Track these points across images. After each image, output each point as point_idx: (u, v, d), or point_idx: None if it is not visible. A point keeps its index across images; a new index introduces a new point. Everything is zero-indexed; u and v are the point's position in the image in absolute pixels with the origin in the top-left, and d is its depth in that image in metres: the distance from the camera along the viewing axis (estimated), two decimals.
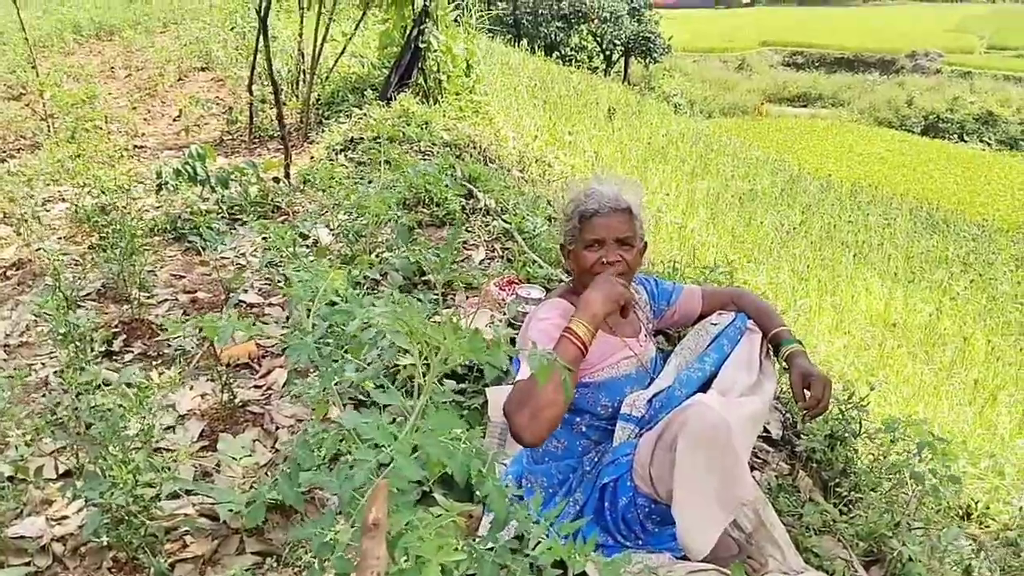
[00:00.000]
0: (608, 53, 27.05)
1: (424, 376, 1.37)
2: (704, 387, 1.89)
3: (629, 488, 1.80)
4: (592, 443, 1.95)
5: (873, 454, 2.76)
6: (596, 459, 1.92)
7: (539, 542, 1.26)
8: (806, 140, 23.71)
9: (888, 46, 35.80)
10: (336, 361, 1.46)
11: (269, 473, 2.44)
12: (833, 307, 7.48)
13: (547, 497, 1.93)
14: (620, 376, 1.93)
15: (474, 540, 1.79)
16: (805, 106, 31.10)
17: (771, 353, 2.05)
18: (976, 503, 3.10)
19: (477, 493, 1.94)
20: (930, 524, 2.52)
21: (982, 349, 7.47)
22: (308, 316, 1.57)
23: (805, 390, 1.90)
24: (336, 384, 1.57)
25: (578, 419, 1.94)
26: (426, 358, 1.32)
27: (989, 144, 25.91)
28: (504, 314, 2.80)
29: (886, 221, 13.29)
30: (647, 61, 27.66)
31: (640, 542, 1.86)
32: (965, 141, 26.16)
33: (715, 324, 2.07)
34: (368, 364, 1.68)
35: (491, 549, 1.30)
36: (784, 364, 2.00)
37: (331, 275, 1.75)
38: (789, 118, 28.29)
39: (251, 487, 2.40)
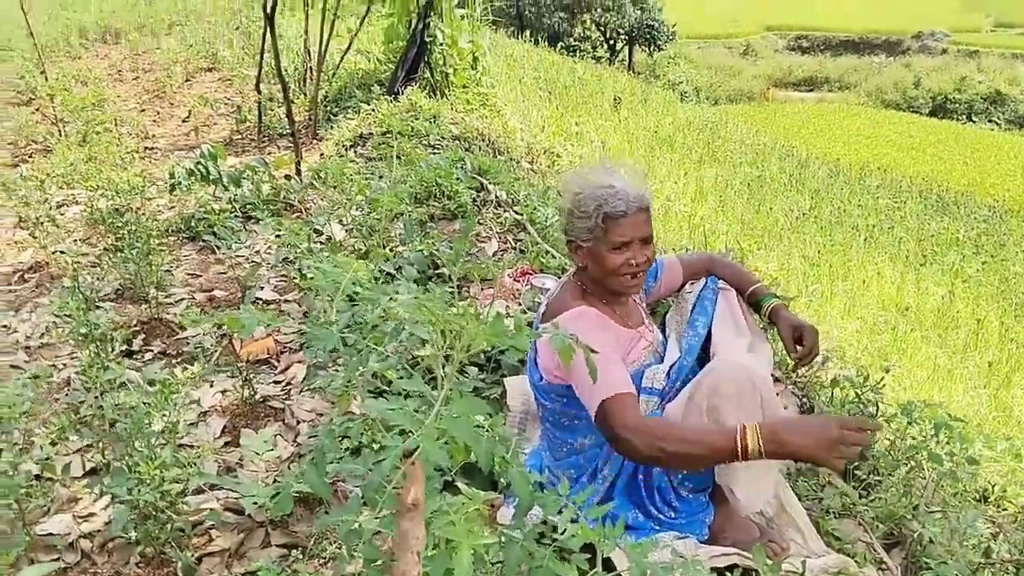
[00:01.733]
0: (612, 42, 26.98)
1: (445, 365, 1.39)
2: (704, 347, 1.96)
3: None
4: None
5: (890, 438, 2.77)
6: None
7: (566, 527, 1.27)
8: (813, 125, 23.60)
9: (894, 27, 35.59)
10: (360, 351, 1.48)
11: (292, 466, 2.46)
12: (845, 292, 7.45)
13: (572, 484, 1.95)
14: (642, 366, 1.95)
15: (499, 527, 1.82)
16: (811, 90, 30.97)
17: (750, 309, 2.12)
18: (993, 486, 3.10)
19: (500, 482, 1.97)
20: (947, 506, 2.53)
21: (996, 331, 7.43)
22: (332, 306, 1.59)
23: (796, 343, 1.96)
24: (359, 374, 1.59)
25: None
26: (448, 347, 1.34)
27: (998, 124, 25.75)
28: (519, 304, 2.82)
29: (896, 204, 13.21)
30: (651, 49, 27.57)
31: (672, 515, 1.87)
32: (974, 121, 26.01)
33: (690, 292, 2.14)
34: (389, 354, 1.69)
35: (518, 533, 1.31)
36: (768, 319, 2.05)
37: (353, 266, 1.77)
38: (796, 103, 28.17)
39: (274, 480, 2.43)
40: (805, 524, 2.02)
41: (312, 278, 1.74)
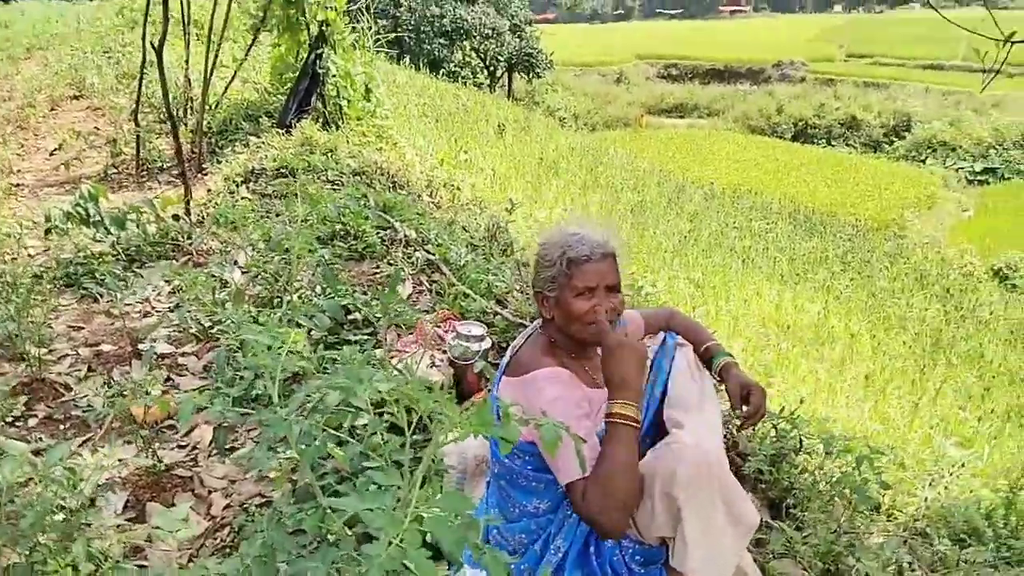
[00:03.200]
0: (492, 69, 27.29)
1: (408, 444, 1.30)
2: (659, 410, 1.91)
3: None
4: None
5: (808, 468, 2.84)
6: None
7: None
8: (687, 150, 24.61)
9: (755, 57, 37.76)
10: (314, 438, 1.36)
11: (208, 544, 2.27)
12: (728, 312, 7.71)
13: (523, 550, 1.87)
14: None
15: None
16: (682, 116, 32.36)
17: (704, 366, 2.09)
18: (883, 497, 3.23)
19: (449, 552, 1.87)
20: (853, 525, 2.63)
21: (868, 344, 7.87)
22: (275, 385, 1.47)
23: (743, 402, 1.94)
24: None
25: None
26: (419, 427, 1.25)
27: (855, 147, 27.71)
28: (444, 352, 2.73)
29: (768, 226, 13.89)
30: (530, 76, 28.08)
31: None
32: (832, 145, 27.88)
33: (648, 347, 2.08)
34: (346, 440, 1.57)
35: None
36: (718, 376, 2.04)
37: (291, 337, 1.65)
38: (668, 128, 29.33)
39: (189, 561, 2.23)
40: (753, 572, 2.02)
41: (235, 343, 1.62)
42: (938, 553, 2.62)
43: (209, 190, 5.23)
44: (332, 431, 1.52)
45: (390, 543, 1.06)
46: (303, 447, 1.36)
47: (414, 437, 2.27)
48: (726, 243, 11.72)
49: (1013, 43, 2.01)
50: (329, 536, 1.41)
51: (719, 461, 1.65)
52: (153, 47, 4.12)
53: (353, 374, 1.29)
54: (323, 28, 5.90)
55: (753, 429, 2.75)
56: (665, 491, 1.63)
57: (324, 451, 1.34)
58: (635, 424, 1.66)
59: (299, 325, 3.08)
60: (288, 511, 1.41)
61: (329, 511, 1.30)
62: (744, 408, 1.93)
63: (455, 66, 25.61)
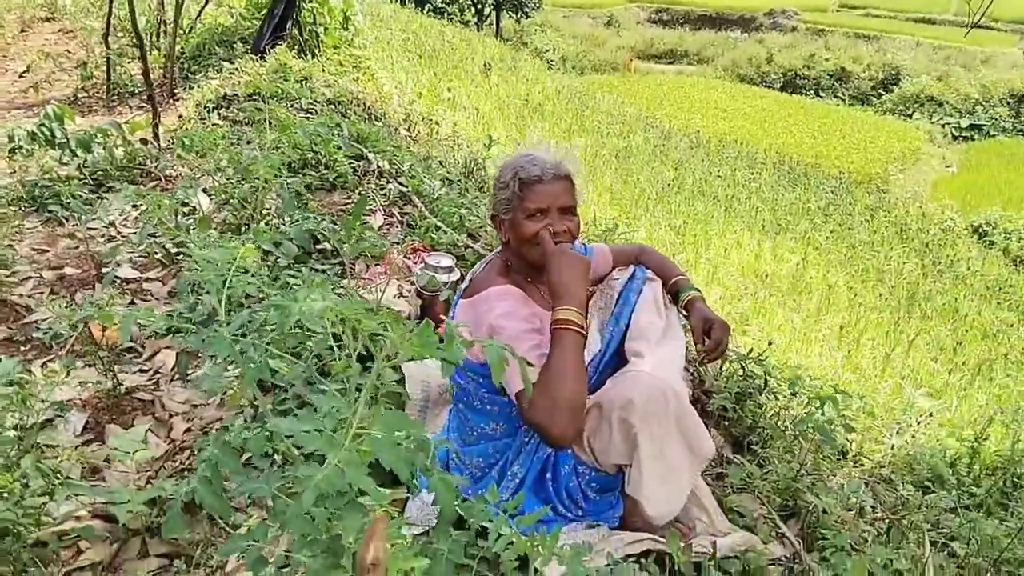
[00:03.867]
0: (480, 7, 26.69)
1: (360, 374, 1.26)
2: (623, 341, 1.90)
3: (569, 457, 1.78)
4: None
5: (774, 408, 2.86)
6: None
7: (498, 538, 1.19)
8: (674, 97, 24.33)
9: (747, 4, 37.16)
10: (259, 359, 1.32)
11: (167, 466, 2.25)
12: (708, 260, 7.71)
13: (480, 475, 1.87)
14: None
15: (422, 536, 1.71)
16: (672, 63, 31.91)
17: (672, 301, 2.08)
18: (851, 442, 3.27)
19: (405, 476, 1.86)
20: (819, 467, 2.66)
21: (845, 296, 7.91)
22: (221, 303, 1.42)
23: (705, 335, 1.93)
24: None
25: None
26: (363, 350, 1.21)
27: (842, 99, 27.50)
28: (412, 284, 2.69)
29: (752, 175, 13.84)
30: (518, 16, 27.51)
31: (580, 513, 1.84)
32: (820, 96, 27.64)
33: (616, 279, 2.08)
34: (293, 361, 1.54)
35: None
36: (684, 311, 2.03)
37: (241, 252, 1.59)
38: (657, 75, 28.94)
39: (148, 483, 2.21)
40: (710, 502, 2.03)
41: (196, 266, 1.56)
42: (901, 497, 2.66)
43: (180, 116, 5.09)
44: (282, 352, 1.48)
45: (328, 464, 1.03)
46: (247, 367, 1.32)
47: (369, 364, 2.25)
48: (709, 192, 11.66)
49: None
50: (276, 457, 1.39)
51: (677, 391, 1.64)
52: None
53: (291, 295, 1.25)
54: None
55: (719, 366, 2.75)
56: (622, 418, 1.62)
57: (266, 372, 1.29)
58: (578, 330, 1.63)
59: (265, 252, 3.03)
60: (234, 431, 1.38)
61: (274, 433, 1.27)
62: (706, 341, 1.91)
63: (442, 2, 24.99)
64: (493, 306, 1.74)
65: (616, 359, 1.85)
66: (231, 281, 1.50)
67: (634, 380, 1.63)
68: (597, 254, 2.15)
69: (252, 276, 1.55)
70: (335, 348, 1.24)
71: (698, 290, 2.05)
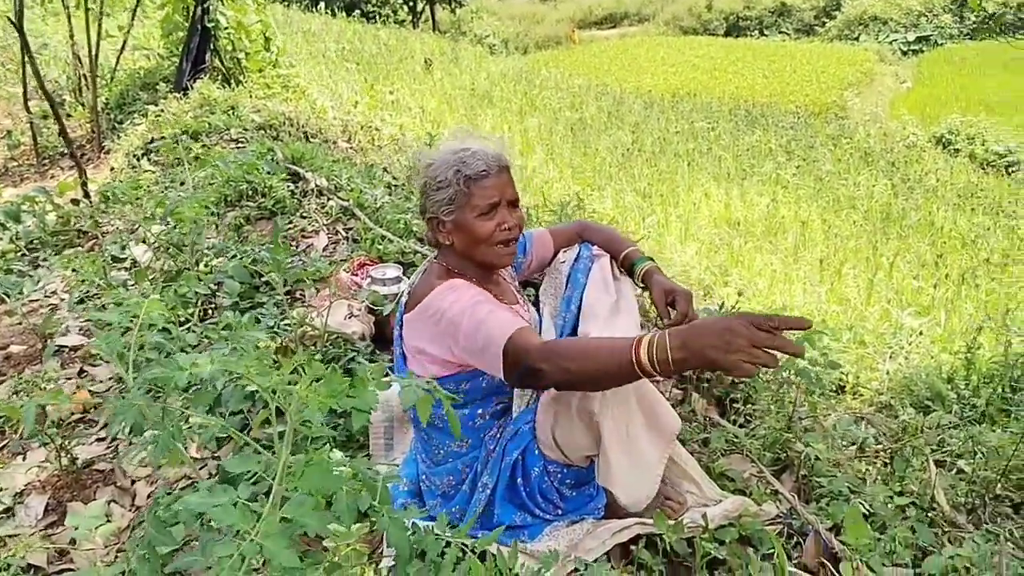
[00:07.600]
0: (412, 3, 26.43)
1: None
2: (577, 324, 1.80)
3: (538, 458, 1.68)
4: (497, 424, 1.78)
5: None
6: (498, 435, 1.76)
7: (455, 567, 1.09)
8: (621, 60, 24.22)
9: None
10: (172, 424, 1.21)
11: (135, 535, 2.14)
12: (679, 218, 7.63)
13: (454, 492, 1.77)
14: None
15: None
16: (614, 26, 31.83)
17: (624, 273, 1.98)
18: (846, 376, 3.19)
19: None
20: (816, 410, 2.56)
21: (820, 230, 7.86)
22: (127, 369, 1.31)
23: (668, 307, 1.83)
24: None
25: (480, 410, 1.75)
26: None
27: (788, 34, 27.50)
28: (362, 302, 2.57)
29: (710, 126, 13.77)
30: (452, 6, 27.29)
31: (560, 512, 1.74)
32: (765, 35, 27.63)
33: (563, 261, 2.00)
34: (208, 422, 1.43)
35: None
36: (641, 283, 1.93)
37: (144, 306, 1.48)
38: (600, 41, 28.85)
39: (116, 556, 2.10)
40: (697, 472, 1.93)
41: (104, 338, 1.45)
42: (901, 423, 2.58)
43: (112, 168, 4.94)
44: (199, 410, 1.37)
45: (243, 541, 0.93)
46: (161, 434, 1.21)
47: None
48: (670, 149, 11.58)
49: None
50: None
51: None
52: (11, 22, 3.78)
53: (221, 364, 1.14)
54: None
55: None
56: (581, 407, 1.52)
57: (179, 437, 1.19)
58: (641, 376, 1.36)
59: (209, 293, 2.91)
60: (164, 502, 1.27)
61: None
62: (672, 313, 1.81)
63: (372, 6, 24.69)
64: (440, 303, 1.60)
65: None
66: (135, 341, 1.39)
67: None
68: (536, 240, 2.04)
69: (160, 331, 1.44)
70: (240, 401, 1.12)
71: (652, 259, 1.95)
